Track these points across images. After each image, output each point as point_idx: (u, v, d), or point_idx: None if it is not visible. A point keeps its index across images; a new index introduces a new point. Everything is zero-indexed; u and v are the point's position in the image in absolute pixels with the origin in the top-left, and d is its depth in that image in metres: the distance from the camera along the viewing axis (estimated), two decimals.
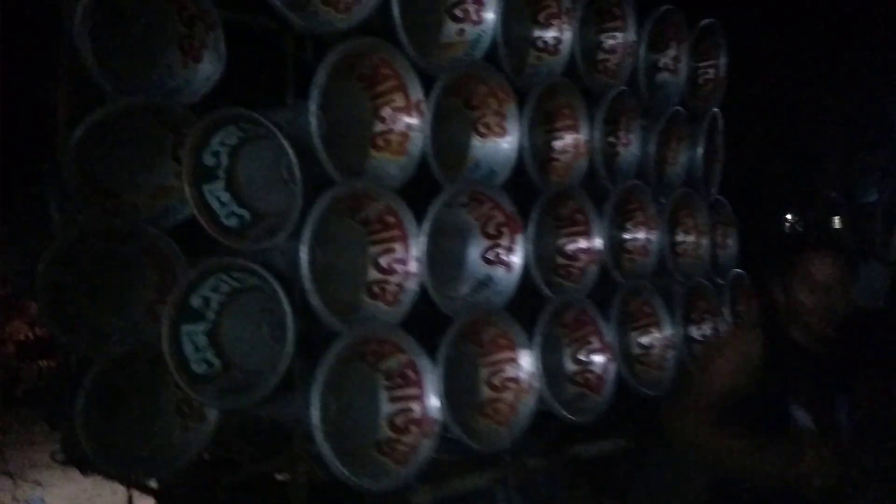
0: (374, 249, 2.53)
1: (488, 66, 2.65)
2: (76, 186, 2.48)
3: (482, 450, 2.52)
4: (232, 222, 2.69)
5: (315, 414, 2.14)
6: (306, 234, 2.19)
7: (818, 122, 11.85)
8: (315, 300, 2.22)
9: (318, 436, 2.13)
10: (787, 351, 2.09)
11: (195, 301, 2.60)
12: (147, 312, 2.73)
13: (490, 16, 2.69)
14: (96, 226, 2.53)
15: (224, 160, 2.69)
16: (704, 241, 3.62)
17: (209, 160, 2.65)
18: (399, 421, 2.45)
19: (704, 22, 3.62)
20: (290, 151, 2.43)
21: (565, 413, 2.72)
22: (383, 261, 2.53)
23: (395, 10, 2.37)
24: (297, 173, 2.45)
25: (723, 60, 3.83)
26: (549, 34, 2.99)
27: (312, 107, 2.20)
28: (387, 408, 2.47)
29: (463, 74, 2.57)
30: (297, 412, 2.46)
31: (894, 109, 12.53)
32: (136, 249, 2.69)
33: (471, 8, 2.71)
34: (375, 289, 2.50)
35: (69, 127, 2.70)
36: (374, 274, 2.52)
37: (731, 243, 3.95)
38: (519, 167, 2.83)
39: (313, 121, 2.22)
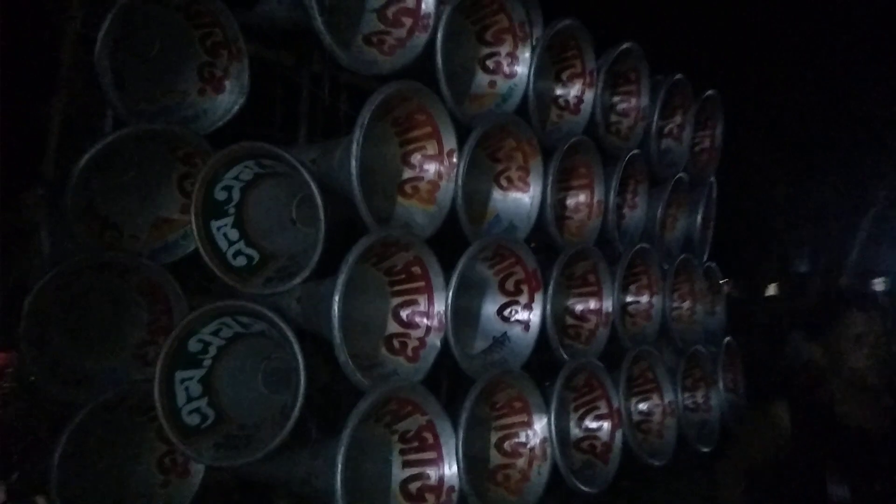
0: (395, 301, 2.40)
1: (520, 121, 2.60)
2: (77, 215, 2.26)
3: None
4: (240, 262, 2.51)
5: (338, 479, 1.94)
6: (340, 283, 2.03)
7: (758, 200, 12.43)
8: (343, 354, 2.06)
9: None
10: (823, 422, 2.06)
11: (193, 345, 2.39)
12: (135, 355, 2.48)
13: (522, 70, 2.66)
14: (94, 258, 2.30)
15: (236, 196, 2.53)
16: (700, 308, 3.64)
17: (220, 195, 2.48)
18: (413, 487, 2.27)
19: (708, 93, 3.72)
20: (317, 192, 2.29)
21: (577, 483, 2.61)
22: (405, 313, 2.39)
23: (439, 58, 2.30)
24: (322, 216, 2.31)
25: (719, 130, 3.93)
26: (572, 93, 2.98)
27: (354, 148, 2.08)
28: (400, 473, 2.30)
29: (497, 126, 2.51)
30: (304, 473, 2.26)
31: (825, 189, 13.27)
32: (131, 285, 2.46)
33: (504, 61, 2.67)
34: (396, 343, 2.35)
35: (63, 149, 2.50)
36: (394, 327, 2.38)
37: (720, 310, 3.98)
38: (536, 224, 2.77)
39: (353, 163, 2.09)
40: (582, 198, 3.05)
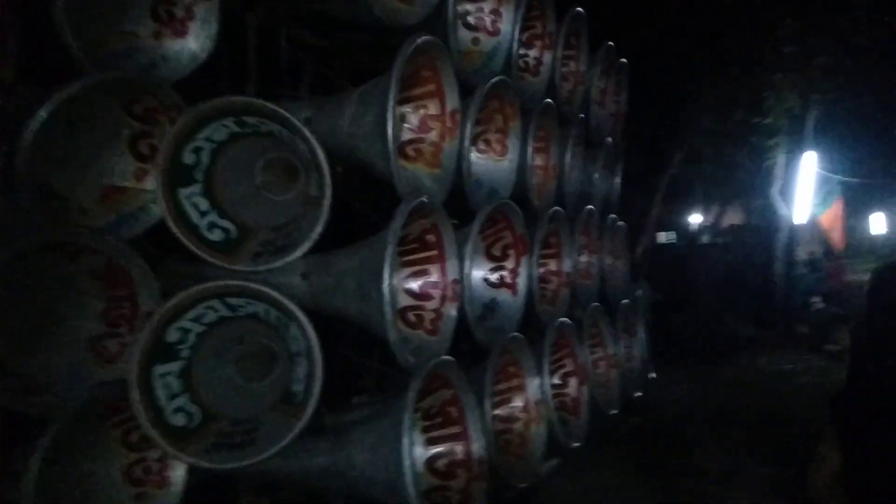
0: (405, 272, 2.23)
1: (511, 83, 2.53)
2: (21, 187, 1.80)
3: (514, 485, 2.36)
4: (216, 236, 2.20)
5: (407, 464, 1.78)
6: (389, 254, 1.84)
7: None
8: (393, 333, 1.88)
9: (410, 488, 1.78)
10: None
11: (173, 334, 2.06)
12: (93, 351, 2.08)
13: (506, 28, 2.58)
14: (43, 238, 1.86)
15: (205, 159, 2.19)
16: (621, 264, 3.88)
17: (189, 158, 2.14)
18: (441, 464, 2.18)
19: (622, 60, 3.91)
20: (322, 156, 2.06)
21: (566, 438, 2.68)
22: (416, 284, 2.24)
23: (451, 11, 2.14)
24: (328, 182, 2.08)
25: (625, 96, 4.16)
26: (532, 55, 2.96)
27: (390, 106, 1.86)
28: (424, 452, 2.18)
29: (498, 87, 2.41)
30: (324, 464, 2.05)
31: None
32: (82, 269, 2.04)
33: (487, 18, 2.56)
34: (411, 316, 2.20)
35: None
36: (406, 299, 2.22)
37: (624, 266, 4.28)
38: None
39: (390, 121, 1.87)
40: (539, 161, 3.07)
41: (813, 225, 13.85)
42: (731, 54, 12.58)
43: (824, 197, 12.95)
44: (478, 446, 2.18)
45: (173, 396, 2.05)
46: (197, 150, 2.13)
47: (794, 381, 8.72)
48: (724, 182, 15.09)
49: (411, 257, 2.23)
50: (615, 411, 3.17)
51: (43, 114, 1.74)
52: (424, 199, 2.04)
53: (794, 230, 12.32)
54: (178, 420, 2.03)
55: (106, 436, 2.09)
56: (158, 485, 2.15)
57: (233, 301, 2.12)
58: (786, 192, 12.19)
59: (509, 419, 2.57)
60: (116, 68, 1.99)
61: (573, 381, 2.97)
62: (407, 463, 1.75)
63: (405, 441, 1.76)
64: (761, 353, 10.65)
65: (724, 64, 12.61)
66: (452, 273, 2.24)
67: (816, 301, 12.23)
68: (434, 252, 2.23)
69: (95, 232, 1.98)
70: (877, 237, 26.48)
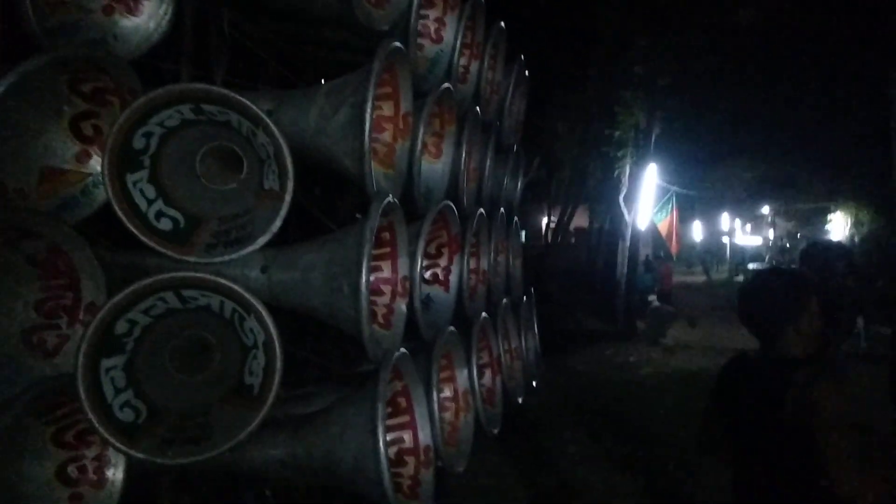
0: None
1: (452, 91, 2.66)
2: None
3: (451, 471, 2.50)
4: (164, 225, 2.14)
5: (383, 451, 1.86)
6: (367, 250, 1.90)
7: None
8: (367, 329, 1.94)
9: (385, 474, 1.86)
10: None
11: (121, 326, 1.99)
12: (25, 342, 1.96)
13: (449, 36, 2.71)
14: None
15: (154, 145, 2.13)
16: (520, 264, 4.15)
17: (139, 142, 2.07)
18: (391, 452, 2.26)
19: (525, 71, 4.17)
20: (286, 149, 2.07)
21: (490, 428, 2.88)
22: (370, 279, 2.31)
23: (413, 16, 2.23)
24: (291, 176, 2.10)
25: (524, 105, 4.45)
26: (462, 61, 3.11)
27: (368, 107, 1.92)
28: None
29: (442, 94, 2.53)
30: (283, 455, 2.07)
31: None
32: (21, 254, 1.91)
33: (431, 25, 2.68)
34: None
35: None
36: None
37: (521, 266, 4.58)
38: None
39: (367, 120, 1.93)
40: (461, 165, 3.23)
41: (652, 230, 15.39)
42: (587, 70, 13.60)
43: (662, 205, 14.45)
44: (424, 434, 2.30)
45: (118, 391, 1.97)
46: (147, 135, 2.05)
47: (638, 372, 9.71)
48: (574, 187, 16.19)
49: None
50: (520, 399, 3.42)
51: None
52: (390, 199, 2.12)
53: (636, 234, 13.63)
54: (127, 415, 1.96)
55: (36, 433, 1.96)
56: (95, 485, 2.05)
57: (186, 293, 2.06)
58: (629, 200, 13.45)
59: (442, 408, 2.70)
60: (69, 42, 1.87)
61: (488, 373, 3.17)
62: (382, 450, 1.84)
63: (380, 428, 1.84)
64: (607, 346, 11.71)
65: (581, 78, 13.61)
66: (403, 270, 2.33)
67: (653, 299, 13.63)
68: (387, 249, 2.31)
69: (42, 215, 1.86)
70: (697, 242, 29.79)
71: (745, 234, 29.81)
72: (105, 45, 1.98)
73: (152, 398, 2.09)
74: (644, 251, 15.24)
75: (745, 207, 26.48)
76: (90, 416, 1.78)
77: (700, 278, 24.95)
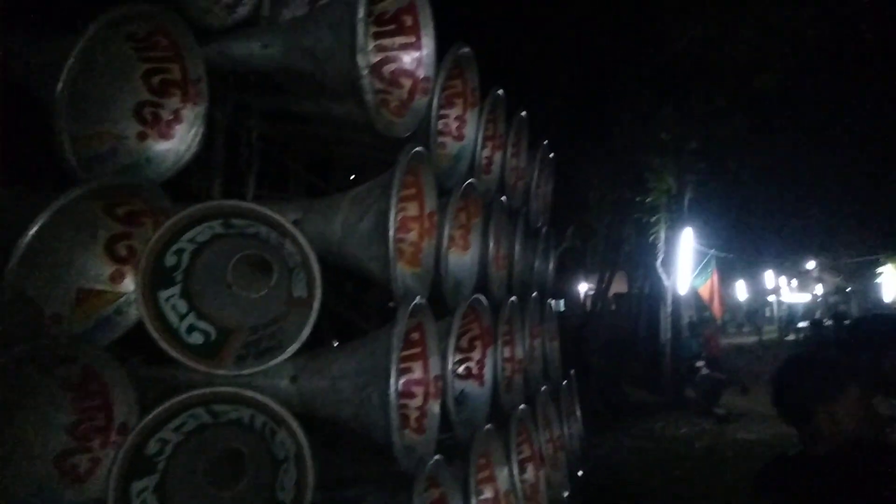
0: None
1: (476, 184, 2.69)
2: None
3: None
4: (195, 339, 2.16)
5: None
6: (395, 362, 1.87)
7: None
8: (398, 440, 1.89)
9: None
10: None
11: (152, 447, 1.98)
12: (58, 467, 1.94)
13: (470, 133, 2.76)
14: (21, 353, 1.75)
15: (185, 261, 2.17)
16: (556, 346, 4.07)
17: (170, 260, 2.11)
18: None
19: (551, 154, 4.22)
20: (313, 258, 2.09)
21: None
22: (399, 382, 2.27)
23: (433, 123, 2.28)
24: (319, 283, 2.11)
25: (552, 186, 4.47)
26: (485, 153, 3.15)
27: (391, 215, 1.94)
28: None
29: (466, 188, 2.56)
30: None
31: None
32: (54, 380, 1.92)
33: (453, 123, 2.73)
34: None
35: None
36: None
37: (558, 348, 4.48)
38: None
39: (391, 228, 1.95)
40: (495, 252, 3.22)
41: (693, 295, 15.05)
42: (616, 140, 13.74)
43: (702, 269, 14.17)
44: None
45: None
46: (179, 252, 2.10)
47: (693, 446, 9.26)
48: (610, 254, 16.06)
49: None
50: (566, 493, 3.27)
51: (34, 230, 1.67)
52: (418, 300, 2.11)
53: (677, 299, 13.33)
54: None
55: None
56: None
57: (217, 408, 2.05)
58: (667, 264, 13.25)
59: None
60: (104, 171, 1.95)
61: (530, 467, 3.05)
62: None
63: None
64: (657, 418, 11.23)
65: (610, 148, 13.73)
66: (434, 370, 2.29)
67: (701, 365, 13.16)
68: (417, 349, 2.28)
69: (75, 341, 1.88)
70: (742, 302, 28.91)
71: (791, 290, 28.92)
72: (138, 170, 2.06)
73: None
74: (686, 313, 14.88)
75: (788, 264, 25.78)
76: None
77: (750, 339, 24.09)
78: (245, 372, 2.06)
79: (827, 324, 17.49)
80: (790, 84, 11.30)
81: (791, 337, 21.57)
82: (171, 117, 2.11)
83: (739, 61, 10.35)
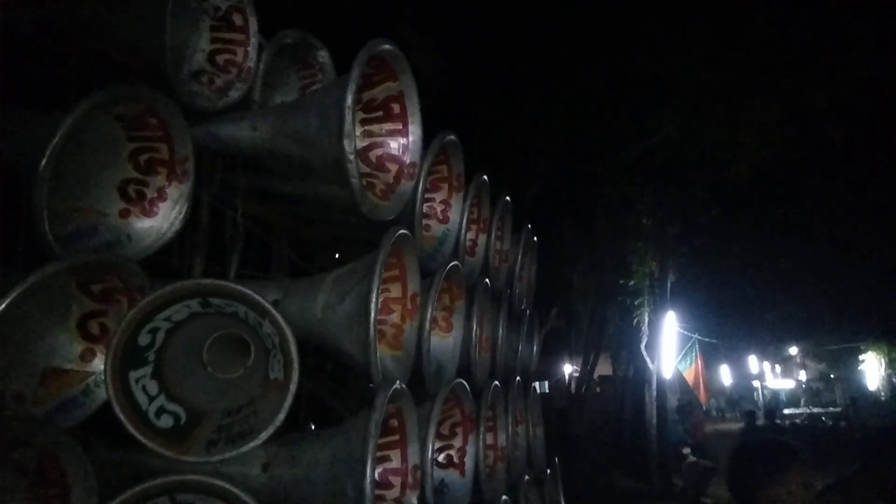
0: None
1: (459, 267, 2.69)
2: None
3: None
4: (165, 422, 2.07)
5: None
6: (371, 452, 1.80)
7: None
8: None
9: None
10: None
11: None
12: None
13: (455, 217, 2.78)
14: None
15: (159, 340, 2.11)
16: (541, 432, 3.97)
17: (144, 339, 2.05)
18: None
19: (534, 238, 4.25)
20: (292, 340, 2.05)
21: None
22: (377, 473, 2.18)
23: (418, 206, 2.30)
24: (296, 367, 2.06)
25: (535, 269, 4.48)
26: (468, 236, 3.17)
27: (373, 297, 1.92)
28: None
29: (450, 271, 2.55)
30: None
31: None
32: (9, 465, 1.83)
33: (438, 207, 2.76)
34: None
35: None
36: None
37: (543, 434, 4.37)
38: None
39: (372, 311, 1.92)
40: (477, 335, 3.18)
41: (678, 377, 14.94)
42: (598, 224, 13.98)
43: (685, 353, 14.14)
44: None
45: None
46: (153, 331, 2.05)
47: None
48: (594, 336, 15.99)
49: None
50: None
51: (3, 306, 1.63)
52: (398, 385, 2.05)
53: (661, 383, 13.21)
54: None
55: None
56: None
57: (181, 497, 1.95)
58: (651, 348, 13.21)
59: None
60: (83, 248, 1.93)
61: None
62: None
63: None
64: None
65: (592, 231, 13.96)
66: (413, 458, 2.21)
67: (687, 452, 12.90)
68: (396, 437, 2.21)
69: (35, 423, 1.80)
70: (727, 386, 28.76)
71: (775, 376, 28.81)
72: (119, 247, 2.04)
73: None
74: (673, 397, 14.72)
75: (771, 350, 25.81)
76: None
77: (735, 425, 23.74)
78: (214, 459, 1.96)
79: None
80: (763, 175, 11.70)
81: (785, 423, 21.34)
82: (154, 195, 2.11)
83: (713, 153, 10.75)
